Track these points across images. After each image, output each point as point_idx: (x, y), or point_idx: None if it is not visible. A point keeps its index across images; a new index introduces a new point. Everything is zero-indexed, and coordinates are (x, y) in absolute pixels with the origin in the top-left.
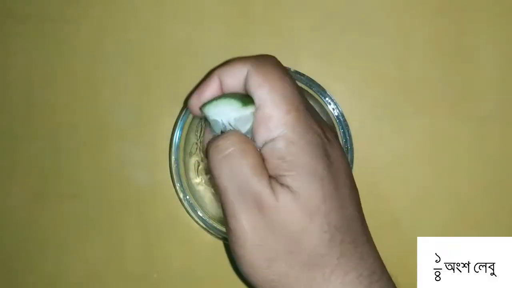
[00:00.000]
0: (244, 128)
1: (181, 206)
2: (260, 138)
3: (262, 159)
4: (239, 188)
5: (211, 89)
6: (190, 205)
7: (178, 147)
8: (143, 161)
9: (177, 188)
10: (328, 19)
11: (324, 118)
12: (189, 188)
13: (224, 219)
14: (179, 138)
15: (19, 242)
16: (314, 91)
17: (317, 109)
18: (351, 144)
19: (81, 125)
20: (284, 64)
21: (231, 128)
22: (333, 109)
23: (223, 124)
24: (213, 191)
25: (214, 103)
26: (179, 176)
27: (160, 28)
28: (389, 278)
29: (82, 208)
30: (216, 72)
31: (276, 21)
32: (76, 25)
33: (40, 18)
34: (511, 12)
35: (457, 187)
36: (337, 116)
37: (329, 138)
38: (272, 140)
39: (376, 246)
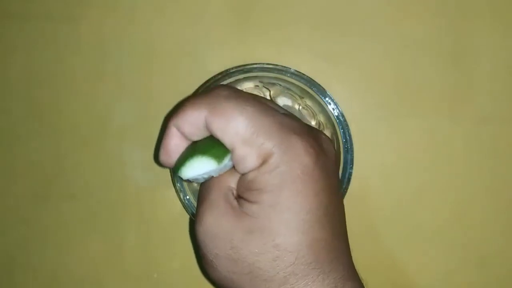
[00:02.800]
0: (226, 168)
1: (181, 206)
2: (241, 171)
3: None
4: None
5: (175, 141)
6: (190, 205)
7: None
8: (143, 161)
9: (177, 188)
10: (328, 19)
11: (324, 118)
12: (189, 188)
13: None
14: None
15: (19, 242)
16: (314, 91)
17: (317, 109)
18: (351, 144)
19: (81, 125)
20: (284, 64)
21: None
22: (333, 109)
23: (204, 178)
24: None
25: (188, 164)
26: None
27: (160, 28)
28: None
29: (82, 208)
30: (173, 123)
31: (276, 21)
32: (76, 25)
33: (40, 18)
34: (510, 13)
35: (456, 187)
36: (337, 116)
37: (320, 142)
38: (255, 169)
39: (372, 246)
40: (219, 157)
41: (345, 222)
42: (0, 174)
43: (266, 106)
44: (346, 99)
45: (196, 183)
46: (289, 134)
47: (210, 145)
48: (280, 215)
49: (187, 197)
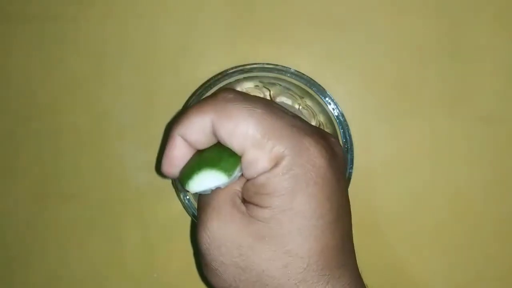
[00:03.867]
0: (236, 179)
1: (181, 206)
2: (251, 175)
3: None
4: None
5: (179, 151)
6: (190, 205)
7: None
8: (143, 161)
9: (177, 188)
10: (329, 19)
11: (324, 118)
12: None
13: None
14: None
15: (19, 242)
16: (314, 91)
17: (317, 109)
18: (351, 144)
19: (81, 125)
20: (284, 64)
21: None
22: (333, 109)
23: (211, 190)
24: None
25: (195, 178)
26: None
27: (161, 28)
28: None
29: (82, 208)
30: (176, 131)
31: (276, 21)
32: (76, 25)
33: (40, 18)
34: (510, 13)
35: (456, 187)
36: (337, 116)
37: (331, 144)
38: (266, 172)
39: (370, 246)
40: (228, 170)
41: (351, 223)
42: (0, 174)
43: (275, 108)
44: (346, 99)
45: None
46: (301, 136)
47: (218, 157)
48: (293, 220)
49: (187, 197)
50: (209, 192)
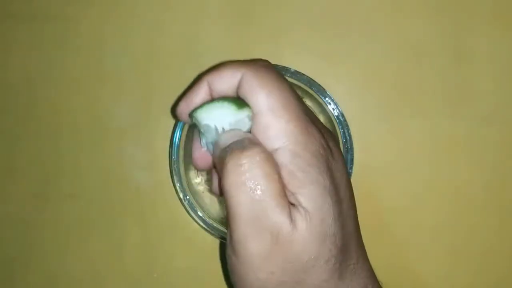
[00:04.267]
0: (244, 124)
1: (181, 206)
2: (261, 139)
3: (282, 182)
4: (257, 218)
5: (201, 95)
6: (190, 205)
7: (178, 147)
8: (143, 161)
9: (177, 188)
10: (329, 19)
11: (324, 118)
12: (189, 188)
13: (229, 239)
14: (179, 138)
15: (19, 242)
16: (314, 91)
17: (317, 109)
18: (351, 144)
19: (82, 125)
20: (284, 64)
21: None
22: (333, 109)
23: (216, 129)
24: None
25: (206, 107)
26: (179, 176)
27: (161, 28)
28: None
29: (82, 208)
30: (206, 77)
31: (276, 21)
32: (76, 25)
33: (41, 18)
34: (510, 13)
35: (457, 187)
36: (337, 116)
37: (331, 147)
38: (275, 151)
39: (372, 246)
40: (239, 105)
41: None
42: (0, 174)
43: (297, 95)
44: (346, 99)
45: (205, 142)
46: (308, 123)
47: (231, 97)
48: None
49: (187, 197)
50: (213, 134)
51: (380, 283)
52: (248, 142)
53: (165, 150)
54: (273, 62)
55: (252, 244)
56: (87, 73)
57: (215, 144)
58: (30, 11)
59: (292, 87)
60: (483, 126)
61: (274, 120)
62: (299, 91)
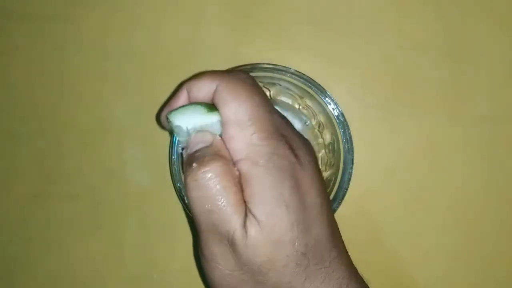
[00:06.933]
0: (214, 128)
1: (181, 206)
2: (228, 146)
3: (240, 189)
4: (214, 226)
5: (181, 102)
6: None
7: (178, 147)
8: (143, 161)
9: (177, 188)
10: (329, 19)
11: (324, 118)
12: None
13: (198, 241)
14: None
15: (19, 242)
16: (314, 91)
17: (317, 109)
18: (351, 144)
19: (82, 125)
20: (284, 64)
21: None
22: (333, 109)
23: (187, 131)
24: None
25: (180, 110)
26: (179, 176)
27: (161, 28)
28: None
29: (82, 208)
30: (185, 85)
31: (276, 21)
32: (76, 25)
33: (41, 18)
34: (510, 13)
35: (456, 187)
36: (337, 116)
37: (300, 156)
38: (238, 161)
39: (372, 245)
40: (210, 109)
41: (335, 221)
42: (0, 174)
43: (272, 107)
44: (346, 99)
45: (179, 144)
46: (274, 134)
47: (206, 102)
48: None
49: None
50: (185, 136)
51: (366, 281)
52: (211, 152)
53: (165, 150)
54: (273, 62)
55: (213, 248)
56: (87, 73)
57: (185, 146)
58: (30, 11)
59: (266, 101)
60: (483, 126)
61: (240, 132)
62: (299, 91)
